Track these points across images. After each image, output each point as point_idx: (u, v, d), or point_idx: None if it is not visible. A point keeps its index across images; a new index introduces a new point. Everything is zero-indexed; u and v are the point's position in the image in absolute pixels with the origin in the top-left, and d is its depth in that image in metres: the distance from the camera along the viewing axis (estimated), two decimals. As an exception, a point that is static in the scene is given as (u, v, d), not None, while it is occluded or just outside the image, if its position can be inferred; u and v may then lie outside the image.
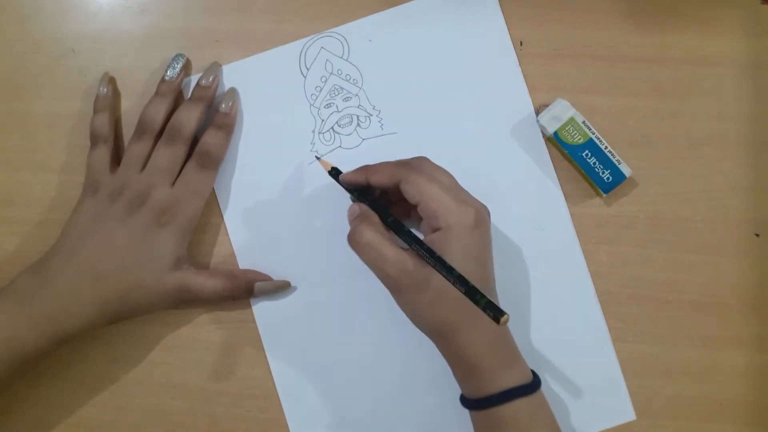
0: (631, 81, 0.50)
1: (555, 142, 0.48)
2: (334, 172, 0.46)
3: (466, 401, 0.44)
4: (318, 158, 0.48)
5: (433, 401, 0.49)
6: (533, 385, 0.42)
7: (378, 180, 0.44)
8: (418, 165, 0.43)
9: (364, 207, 0.44)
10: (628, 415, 0.49)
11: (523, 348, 0.44)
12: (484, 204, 0.44)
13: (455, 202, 0.42)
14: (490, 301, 0.37)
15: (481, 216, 0.42)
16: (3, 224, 0.50)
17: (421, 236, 0.42)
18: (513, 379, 0.42)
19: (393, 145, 0.50)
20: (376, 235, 0.42)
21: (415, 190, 0.42)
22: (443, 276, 0.39)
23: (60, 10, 0.50)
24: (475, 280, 0.39)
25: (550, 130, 0.47)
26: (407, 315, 0.43)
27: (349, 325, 0.49)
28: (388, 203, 0.46)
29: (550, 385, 0.49)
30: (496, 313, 0.36)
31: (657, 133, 0.50)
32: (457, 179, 0.44)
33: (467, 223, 0.41)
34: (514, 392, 0.41)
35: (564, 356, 0.49)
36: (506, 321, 0.36)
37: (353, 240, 0.42)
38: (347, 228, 0.43)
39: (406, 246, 0.42)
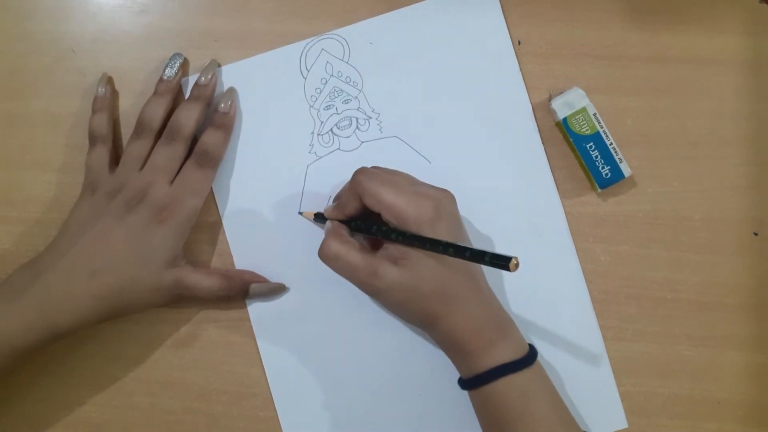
0: (630, 80, 0.50)
1: (562, 128, 0.48)
2: (319, 217, 0.48)
3: (461, 382, 0.45)
4: (300, 213, 0.49)
5: (427, 400, 0.49)
6: (524, 360, 0.43)
7: (351, 211, 0.45)
8: (368, 176, 0.43)
9: (334, 223, 0.46)
10: (620, 422, 0.49)
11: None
12: (445, 189, 0.44)
13: (411, 201, 0.42)
14: (494, 254, 0.37)
15: (440, 205, 0.42)
16: (2, 223, 0.50)
17: None
18: (501, 356, 0.42)
19: (391, 148, 0.50)
20: (342, 245, 0.43)
21: (373, 200, 0.42)
22: (437, 252, 0.40)
23: (60, 10, 0.50)
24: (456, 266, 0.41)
25: (560, 115, 0.48)
26: (391, 313, 0.45)
27: (344, 327, 0.49)
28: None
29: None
30: (503, 262, 0.36)
31: (655, 132, 0.50)
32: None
33: (427, 218, 0.42)
34: (500, 370, 0.42)
35: (557, 362, 0.49)
36: (516, 264, 0.36)
37: (321, 254, 0.43)
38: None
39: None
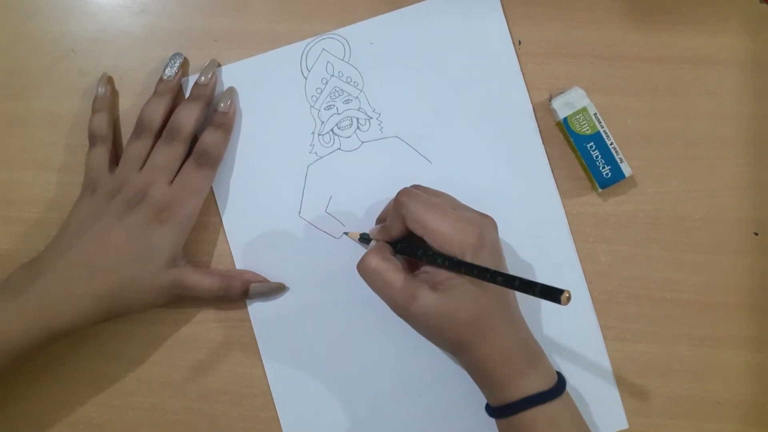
0: (630, 80, 0.50)
1: (563, 128, 0.48)
2: (365, 237, 0.47)
3: (489, 409, 0.44)
4: (346, 233, 0.49)
5: (427, 401, 0.49)
6: (553, 391, 0.42)
7: (396, 233, 0.43)
8: (411, 198, 0.42)
9: (379, 241, 0.45)
10: (621, 423, 0.49)
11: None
12: (487, 215, 0.43)
13: (455, 227, 0.41)
14: (545, 286, 0.36)
15: (484, 232, 0.42)
16: (2, 223, 0.50)
17: None
18: (530, 387, 0.42)
19: (392, 148, 0.50)
20: (382, 261, 0.42)
21: (417, 224, 0.41)
22: (484, 280, 0.39)
23: (60, 10, 0.50)
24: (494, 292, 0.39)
25: (561, 115, 0.48)
26: (421, 335, 0.44)
27: (344, 327, 0.49)
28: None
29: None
30: (555, 295, 0.35)
31: (655, 133, 0.50)
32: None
33: (471, 244, 0.41)
34: (530, 400, 0.41)
35: (558, 363, 0.49)
36: (568, 297, 0.35)
37: (360, 267, 0.43)
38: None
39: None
